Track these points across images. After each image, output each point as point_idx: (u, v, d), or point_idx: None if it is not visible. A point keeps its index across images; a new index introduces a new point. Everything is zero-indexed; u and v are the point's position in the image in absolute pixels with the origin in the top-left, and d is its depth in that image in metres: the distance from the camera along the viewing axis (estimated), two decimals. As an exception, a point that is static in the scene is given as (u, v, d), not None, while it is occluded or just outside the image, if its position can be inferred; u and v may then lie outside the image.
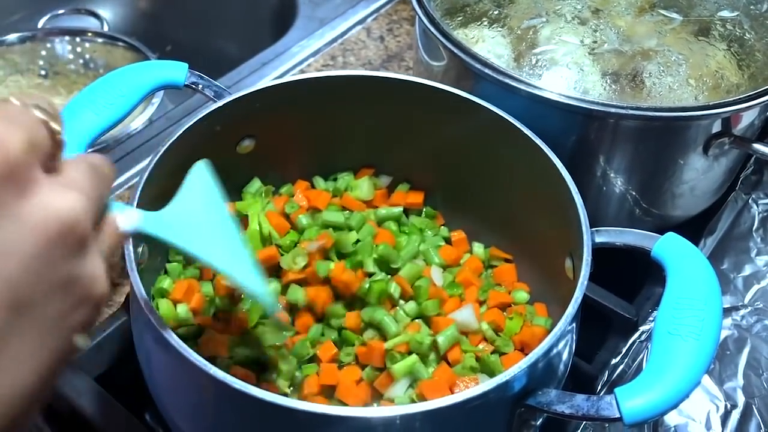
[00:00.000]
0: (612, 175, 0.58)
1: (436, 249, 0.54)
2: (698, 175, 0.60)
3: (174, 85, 0.51)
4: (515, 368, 0.36)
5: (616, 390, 0.36)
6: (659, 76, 0.64)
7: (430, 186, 0.59)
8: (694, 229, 0.63)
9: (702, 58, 0.67)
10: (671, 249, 0.42)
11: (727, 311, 0.58)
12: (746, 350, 0.56)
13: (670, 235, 0.43)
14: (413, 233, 0.55)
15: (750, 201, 0.67)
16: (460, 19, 0.70)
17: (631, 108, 0.53)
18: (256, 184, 0.57)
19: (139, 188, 0.43)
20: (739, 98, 0.53)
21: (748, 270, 0.62)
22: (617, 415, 0.35)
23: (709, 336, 0.37)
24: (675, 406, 0.35)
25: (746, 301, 0.59)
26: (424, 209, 0.59)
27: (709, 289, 0.39)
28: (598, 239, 0.44)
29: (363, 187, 0.57)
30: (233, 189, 0.56)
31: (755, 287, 0.60)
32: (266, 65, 0.83)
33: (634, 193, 0.60)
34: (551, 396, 0.37)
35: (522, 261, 0.56)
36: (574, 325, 0.41)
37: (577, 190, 0.47)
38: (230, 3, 1.05)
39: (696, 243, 0.61)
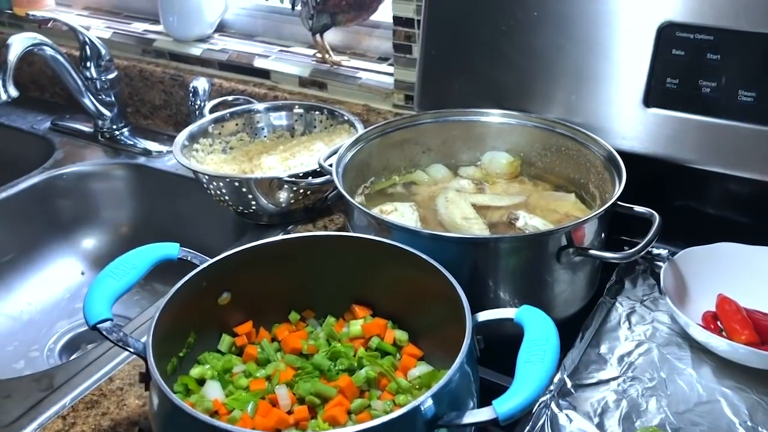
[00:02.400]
0: (500, 290, 0.78)
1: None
2: (566, 285, 0.81)
3: (170, 258, 0.71)
4: (420, 399, 0.53)
5: (494, 402, 0.53)
6: (526, 220, 0.87)
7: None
8: (573, 325, 0.82)
9: (556, 205, 0.91)
10: (525, 314, 0.62)
11: (606, 381, 0.76)
12: (622, 407, 0.73)
13: (525, 307, 0.63)
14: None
15: (616, 303, 0.87)
16: (379, 200, 0.94)
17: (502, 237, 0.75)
18: (226, 340, 0.75)
19: (153, 327, 0.61)
20: (569, 224, 0.76)
21: (619, 351, 0.80)
22: (495, 416, 0.52)
23: (550, 359, 0.55)
24: (531, 404, 0.52)
25: (620, 372, 0.77)
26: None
27: (548, 332, 0.58)
28: (480, 319, 0.64)
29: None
30: (215, 336, 0.74)
31: (626, 362, 0.78)
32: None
33: (519, 303, 0.80)
34: (452, 416, 0.54)
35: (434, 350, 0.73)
36: (466, 369, 0.58)
37: (462, 292, 0.66)
38: (194, 222, 1.29)
39: (575, 336, 0.80)
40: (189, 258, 0.71)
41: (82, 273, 1.31)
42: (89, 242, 1.34)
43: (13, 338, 1.18)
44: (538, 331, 0.59)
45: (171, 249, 0.72)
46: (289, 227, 1.11)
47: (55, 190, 1.32)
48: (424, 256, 0.70)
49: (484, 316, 0.64)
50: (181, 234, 1.29)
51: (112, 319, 0.64)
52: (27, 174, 1.31)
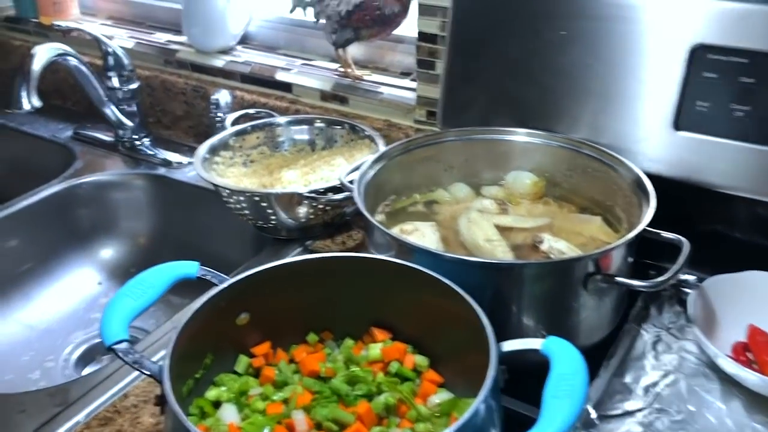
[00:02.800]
0: (524, 316, 0.76)
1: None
2: (591, 312, 0.79)
3: (189, 277, 0.70)
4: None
5: (521, 437, 0.51)
6: (551, 244, 0.85)
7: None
8: (598, 353, 0.80)
9: (582, 227, 0.89)
10: (552, 345, 0.60)
11: (631, 413, 0.74)
12: (649, 440, 0.70)
13: (552, 338, 0.61)
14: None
15: (641, 330, 0.85)
16: (399, 218, 0.93)
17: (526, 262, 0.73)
18: (243, 360, 0.74)
19: (172, 344, 0.60)
20: (597, 251, 0.74)
21: (645, 381, 0.78)
22: (522, 452, 0.50)
23: (578, 395, 0.53)
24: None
25: (646, 404, 0.75)
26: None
27: (576, 366, 0.56)
28: (505, 348, 0.62)
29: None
30: (232, 357, 0.73)
31: (652, 393, 0.76)
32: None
33: (544, 331, 0.78)
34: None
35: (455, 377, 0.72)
36: (491, 402, 0.56)
37: (487, 320, 0.64)
38: (213, 234, 1.28)
39: (600, 364, 0.78)
40: (208, 277, 0.70)
41: (100, 283, 1.31)
42: (107, 252, 1.34)
43: (29, 348, 1.18)
44: (566, 365, 0.57)
45: (190, 268, 0.71)
46: (308, 242, 1.10)
47: (75, 200, 1.32)
48: (447, 281, 0.68)
49: (509, 346, 0.62)
50: (200, 246, 1.29)
51: (128, 340, 0.63)
52: (47, 183, 1.31)
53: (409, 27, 1.21)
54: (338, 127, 1.21)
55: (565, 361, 0.58)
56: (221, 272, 1.07)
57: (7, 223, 1.25)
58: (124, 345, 0.62)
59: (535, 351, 0.61)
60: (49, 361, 1.16)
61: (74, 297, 1.27)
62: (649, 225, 0.79)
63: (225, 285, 0.68)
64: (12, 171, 1.54)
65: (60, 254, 1.30)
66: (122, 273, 1.32)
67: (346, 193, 0.92)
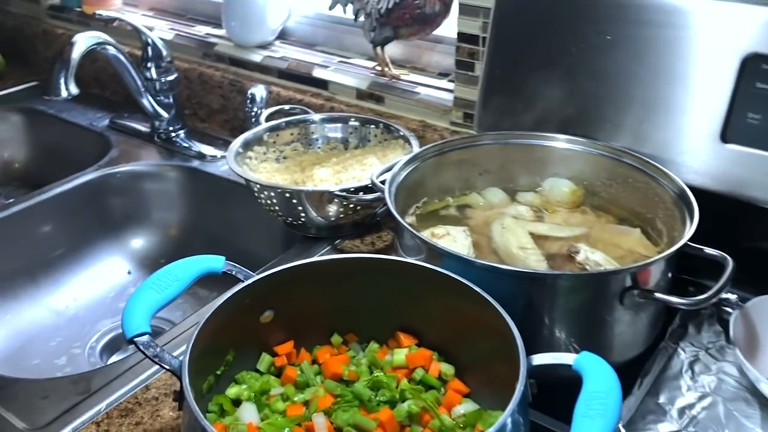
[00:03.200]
0: (555, 328, 0.74)
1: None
2: (626, 327, 0.76)
3: (215, 272, 0.69)
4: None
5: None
6: (587, 255, 0.82)
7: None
8: (631, 371, 0.77)
9: (620, 239, 0.86)
10: (585, 361, 0.57)
11: (665, 435, 0.71)
12: (683, 465, 0.67)
13: (585, 353, 0.58)
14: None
15: (678, 349, 0.81)
16: (431, 221, 0.91)
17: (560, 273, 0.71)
18: (266, 359, 0.72)
19: (193, 339, 0.59)
20: (636, 265, 0.71)
21: (680, 403, 0.75)
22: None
23: (611, 416, 0.51)
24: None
25: (680, 427, 0.72)
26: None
27: (610, 384, 0.54)
28: (535, 362, 0.59)
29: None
30: (255, 354, 0.72)
31: (687, 415, 0.73)
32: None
33: (576, 345, 0.75)
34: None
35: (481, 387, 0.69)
36: (518, 418, 0.54)
37: (517, 331, 0.62)
38: (243, 229, 1.27)
39: (634, 382, 0.75)
40: (234, 272, 0.69)
41: (129, 272, 1.31)
42: (138, 242, 1.34)
43: (57, 333, 1.19)
44: (599, 383, 0.54)
45: (216, 262, 0.70)
46: (337, 241, 1.08)
47: (109, 188, 1.32)
48: (477, 289, 0.66)
49: (539, 359, 0.59)
50: (229, 240, 1.29)
51: (150, 333, 0.62)
52: (82, 170, 1.32)
53: (449, 27, 1.19)
54: (372, 126, 1.19)
55: (598, 378, 0.55)
56: (248, 268, 1.06)
57: (41, 209, 1.26)
58: (145, 338, 0.61)
59: (566, 366, 0.58)
60: (76, 348, 1.17)
61: (103, 285, 1.28)
62: (691, 240, 0.76)
63: (250, 281, 0.67)
64: (49, 157, 1.56)
65: (91, 242, 1.31)
66: (151, 263, 1.32)
67: (377, 194, 0.90)
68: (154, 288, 0.65)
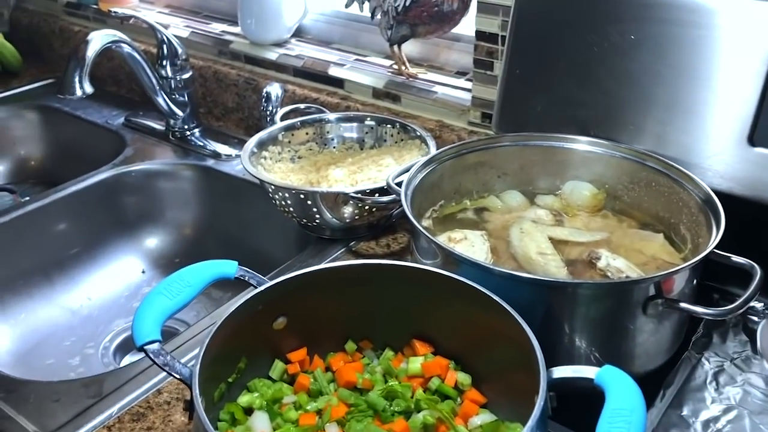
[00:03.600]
0: (576, 337, 0.72)
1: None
2: (648, 337, 0.73)
3: (227, 277, 0.67)
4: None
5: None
6: (609, 261, 0.80)
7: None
8: (654, 382, 0.75)
9: (642, 245, 0.84)
10: (608, 376, 0.55)
11: (688, 449, 0.68)
12: (707, 481, 0.65)
13: (608, 367, 0.56)
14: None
15: (702, 359, 0.79)
16: (448, 225, 0.89)
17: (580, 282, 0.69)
18: (279, 366, 0.71)
19: (204, 348, 0.58)
20: (660, 273, 0.69)
21: (705, 415, 0.72)
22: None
23: (635, 433, 0.49)
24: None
25: (705, 440, 0.69)
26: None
27: (634, 402, 0.52)
28: (555, 375, 0.57)
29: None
30: (268, 361, 0.70)
31: (711, 429, 0.71)
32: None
33: (597, 355, 0.73)
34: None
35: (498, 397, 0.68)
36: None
37: (537, 341, 0.60)
38: (258, 229, 1.26)
39: (656, 393, 0.73)
40: (246, 278, 0.68)
41: (143, 272, 1.30)
42: (152, 241, 1.33)
43: (72, 333, 1.18)
44: (622, 399, 0.52)
45: (228, 267, 0.68)
46: (352, 243, 1.07)
47: (123, 187, 1.32)
48: (496, 297, 0.64)
49: (559, 372, 0.58)
50: (244, 240, 1.28)
51: (160, 341, 0.61)
52: (97, 168, 1.31)
53: (467, 25, 1.17)
54: (389, 126, 1.17)
55: (621, 394, 0.53)
56: (263, 269, 1.05)
57: (56, 207, 1.25)
58: (155, 345, 0.60)
59: (588, 380, 0.56)
60: (90, 348, 1.16)
61: (117, 284, 1.27)
62: (717, 247, 0.73)
63: (262, 288, 0.66)
64: (64, 155, 1.56)
65: (105, 241, 1.30)
66: (166, 263, 1.31)
67: (393, 196, 0.88)
68: (166, 294, 0.64)
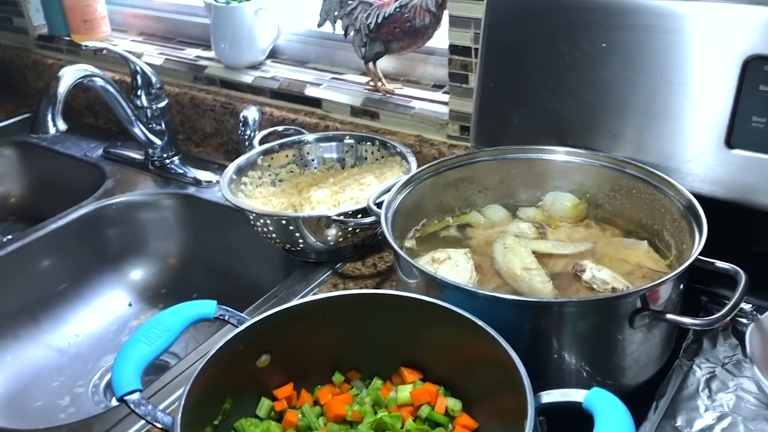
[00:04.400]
0: (565, 354, 0.71)
1: None
2: (638, 348, 0.73)
3: (206, 318, 0.66)
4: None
5: None
6: (594, 273, 0.79)
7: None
8: (646, 393, 0.74)
9: (627, 253, 0.83)
10: (596, 399, 0.54)
11: (684, 461, 0.68)
12: (705, 494, 0.64)
13: (596, 390, 0.55)
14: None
15: (694, 366, 0.78)
16: (431, 244, 0.88)
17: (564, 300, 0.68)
18: (265, 404, 0.70)
19: (184, 396, 0.56)
20: (644, 287, 0.68)
21: (699, 425, 0.72)
22: None
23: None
24: None
25: (700, 451, 0.69)
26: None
27: (623, 425, 0.51)
28: (544, 400, 0.57)
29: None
30: (254, 400, 0.69)
31: (706, 439, 0.70)
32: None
33: (588, 370, 0.72)
34: None
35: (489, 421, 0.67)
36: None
37: (522, 366, 0.59)
38: (242, 255, 1.25)
39: (649, 405, 0.72)
40: (226, 317, 0.67)
41: (130, 305, 1.29)
42: (137, 273, 1.32)
43: (60, 373, 1.17)
44: (611, 423, 0.52)
45: (207, 307, 0.67)
46: (338, 265, 1.06)
47: (105, 220, 1.31)
48: (479, 322, 0.64)
49: (548, 397, 0.57)
50: (229, 268, 1.26)
51: (141, 390, 0.59)
52: (78, 202, 1.30)
53: (441, 38, 1.16)
54: (368, 143, 1.17)
55: (610, 418, 0.52)
56: (249, 295, 1.04)
57: (38, 245, 1.24)
58: (135, 396, 0.59)
59: (576, 403, 0.55)
60: (79, 387, 1.15)
61: (104, 320, 1.26)
62: (701, 252, 0.73)
63: (243, 327, 0.65)
64: (44, 190, 1.54)
65: (90, 276, 1.29)
66: (152, 294, 1.30)
67: (375, 217, 0.88)
68: (144, 340, 0.62)
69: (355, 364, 0.73)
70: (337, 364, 0.73)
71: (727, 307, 0.66)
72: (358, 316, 0.70)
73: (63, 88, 1.10)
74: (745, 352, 0.76)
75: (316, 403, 0.71)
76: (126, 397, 0.59)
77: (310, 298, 0.69)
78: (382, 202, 0.85)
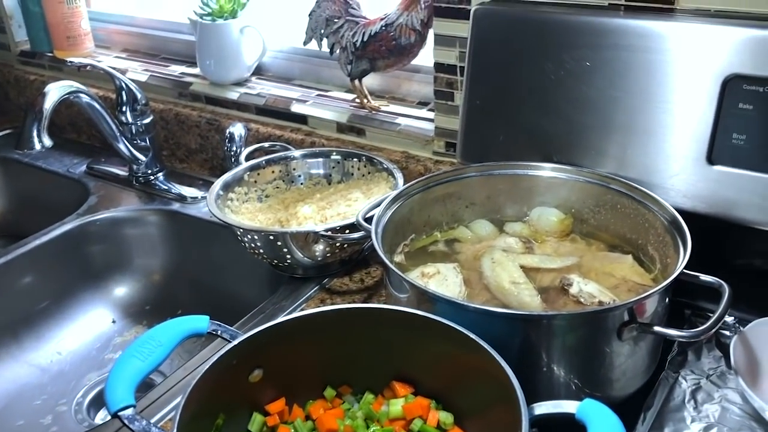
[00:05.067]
0: (554, 366, 0.72)
1: None
2: (626, 360, 0.74)
3: (199, 333, 0.66)
4: None
5: None
6: (581, 287, 0.80)
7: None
8: (634, 405, 0.75)
9: (612, 267, 0.85)
10: (589, 410, 0.55)
11: (672, 472, 0.69)
12: (693, 503, 0.65)
13: (588, 401, 0.56)
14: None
15: (679, 378, 0.80)
16: (420, 259, 0.89)
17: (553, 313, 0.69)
18: (258, 419, 0.70)
19: (179, 411, 0.56)
20: (632, 300, 0.70)
21: (686, 436, 0.73)
22: None
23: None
24: None
25: (688, 462, 0.70)
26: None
27: (616, 435, 0.52)
28: (536, 412, 0.57)
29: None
30: (246, 415, 0.69)
31: (694, 449, 0.71)
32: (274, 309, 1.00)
33: (577, 382, 0.73)
34: None
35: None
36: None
37: (515, 378, 0.60)
38: (229, 271, 1.25)
39: (637, 417, 0.73)
40: (219, 332, 0.67)
41: (113, 321, 1.28)
42: (121, 290, 1.31)
43: (42, 391, 1.15)
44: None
45: (200, 322, 0.67)
46: (325, 280, 1.06)
47: (89, 237, 1.30)
48: (471, 335, 0.64)
49: (540, 409, 0.58)
50: (215, 283, 1.26)
51: (134, 405, 0.59)
52: (61, 219, 1.29)
53: (426, 57, 1.18)
54: (355, 159, 1.17)
55: (603, 429, 0.53)
56: (236, 312, 1.04)
57: (20, 262, 1.23)
58: (129, 411, 0.59)
59: (569, 415, 0.56)
60: (62, 405, 1.13)
61: (87, 337, 1.25)
62: (686, 266, 0.74)
63: (236, 342, 0.65)
64: (27, 206, 1.53)
65: (73, 293, 1.28)
66: (136, 311, 1.29)
67: (363, 232, 0.88)
68: (137, 356, 0.62)
69: (346, 378, 0.73)
70: (329, 379, 0.73)
71: (713, 319, 0.68)
72: (350, 330, 0.70)
73: (49, 104, 1.10)
74: (730, 363, 0.77)
75: (308, 418, 0.71)
76: (120, 413, 0.58)
77: (302, 312, 0.69)
78: (371, 218, 0.86)
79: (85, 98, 1.19)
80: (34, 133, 1.08)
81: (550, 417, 0.58)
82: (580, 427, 0.57)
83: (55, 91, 1.11)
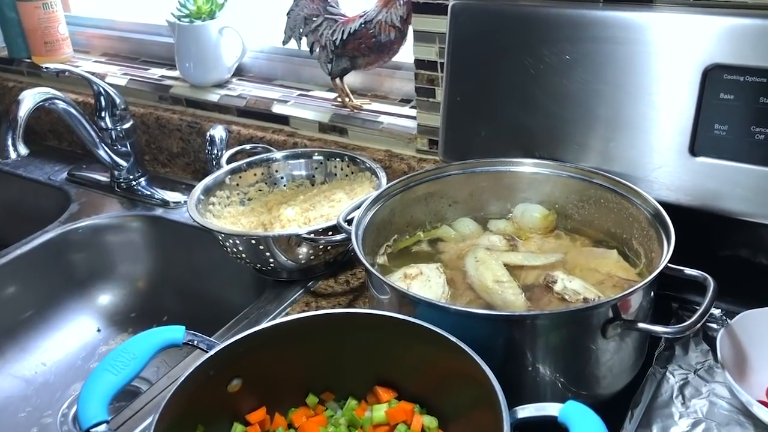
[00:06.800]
0: (539, 366, 0.71)
1: None
2: (611, 357, 0.73)
3: (175, 344, 0.65)
4: None
5: None
6: (565, 283, 0.79)
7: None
8: (621, 403, 0.74)
9: (597, 263, 0.83)
10: (571, 412, 0.54)
11: (660, 470, 0.68)
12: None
13: (570, 403, 0.55)
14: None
15: (667, 373, 0.79)
16: (403, 259, 0.88)
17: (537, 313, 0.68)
18: (238, 429, 0.68)
19: (153, 426, 0.55)
20: (615, 297, 0.69)
21: (674, 432, 0.72)
22: None
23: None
24: None
25: (676, 459, 0.69)
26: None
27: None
28: (519, 416, 0.56)
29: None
30: (226, 426, 0.68)
31: (682, 446, 0.70)
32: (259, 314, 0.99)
33: (563, 381, 0.72)
34: None
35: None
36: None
37: (497, 382, 0.59)
38: (213, 276, 1.24)
39: (624, 415, 0.72)
40: (195, 342, 0.66)
41: (98, 330, 1.26)
42: (105, 298, 1.29)
43: (27, 403, 1.14)
44: (586, 436, 0.51)
45: (175, 333, 0.66)
46: (310, 283, 1.05)
47: (71, 245, 1.28)
48: (453, 338, 0.63)
49: (523, 412, 0.57)
50: (199, 289, 1.25)
51: (108, 421, 0.58)
52: (43, 228, 1.27)
53: (407, 53, 1.16)
54: (338, 159, 1.16)
55: (585, 431, 0.52)
56: (221, 317, 1.03)
57: (3, 272, 1.21)
58: (102, 428, 0.57)
59: (552, 417, 0.55)
60: (47, 417, 1.12)
61: (72, 346, 1.23)
62: (670, 259, 0.73)
63: (213, 352, 0.64)
64: (8, 215, 1.51)
65: (57, 302, 1.26)
66: (121, 319, 1.27)
67: (346, 234, 0.87)
68: (111, 369, 0.61)
69: (328, 384, 0.72)
70: (311, 386, 0.71)
71: (697, 314, 0.67)
72: (329, 336, 0.69)
73: (23, 111, 1.08)
74: (717, 357, 0.77)
75: (290, 426, 0.70)
76: (92, 430, 0.57)
77: (280, 320, 0.68)
78: (352, 219, 0.84)
79: (61, 104, 1.17)
80: (9, 142, 1.06)
81: (533, 420, 0.57)
82: (564, 429, 0.56)
83: (29, 99, 1.10)
